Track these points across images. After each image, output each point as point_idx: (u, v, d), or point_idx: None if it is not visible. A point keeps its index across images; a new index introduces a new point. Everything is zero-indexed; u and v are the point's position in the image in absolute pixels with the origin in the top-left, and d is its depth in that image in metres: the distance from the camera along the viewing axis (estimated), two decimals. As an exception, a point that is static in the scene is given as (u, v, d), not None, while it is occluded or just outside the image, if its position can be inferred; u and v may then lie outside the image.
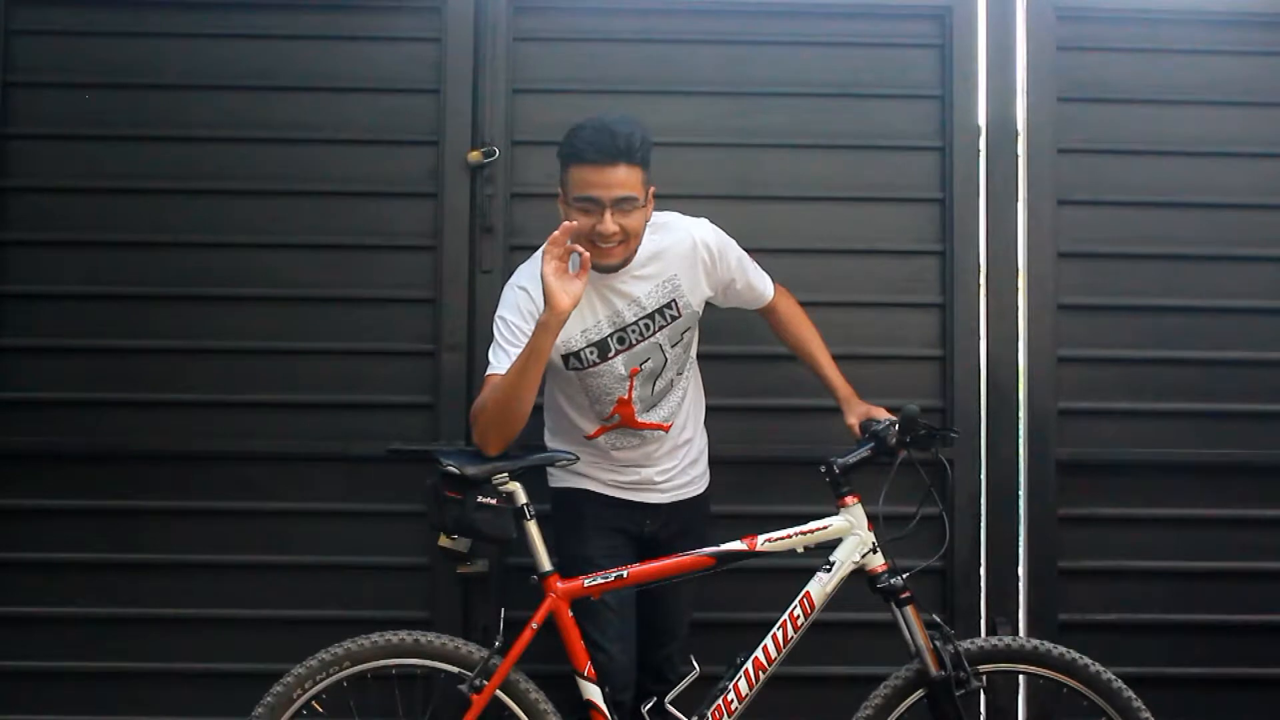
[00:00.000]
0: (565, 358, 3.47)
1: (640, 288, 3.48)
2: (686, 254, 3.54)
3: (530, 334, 3.28)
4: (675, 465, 3.67)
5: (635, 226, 3.38)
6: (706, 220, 3.63)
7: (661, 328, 3.52)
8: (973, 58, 4.27)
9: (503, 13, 4.22)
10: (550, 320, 3.21)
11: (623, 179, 3.32)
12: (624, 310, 3.47)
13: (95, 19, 4.24)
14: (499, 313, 3.47)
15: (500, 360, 3.37)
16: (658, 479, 3.65)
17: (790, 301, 3.89)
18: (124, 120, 4.23)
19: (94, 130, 4.23)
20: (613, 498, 3.63)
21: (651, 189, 3.44)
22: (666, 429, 3.63)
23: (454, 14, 4.21)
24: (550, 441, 3.75)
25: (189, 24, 4.25)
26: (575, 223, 3.29)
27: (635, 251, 3.45)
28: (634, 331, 3.49)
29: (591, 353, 3.47)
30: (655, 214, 3.54)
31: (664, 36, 4.29)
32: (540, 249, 3.26)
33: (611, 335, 3.47)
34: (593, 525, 3.58)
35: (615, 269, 3.44)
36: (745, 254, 3.70)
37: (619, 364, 3.50)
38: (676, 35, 4.29)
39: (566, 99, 4.22)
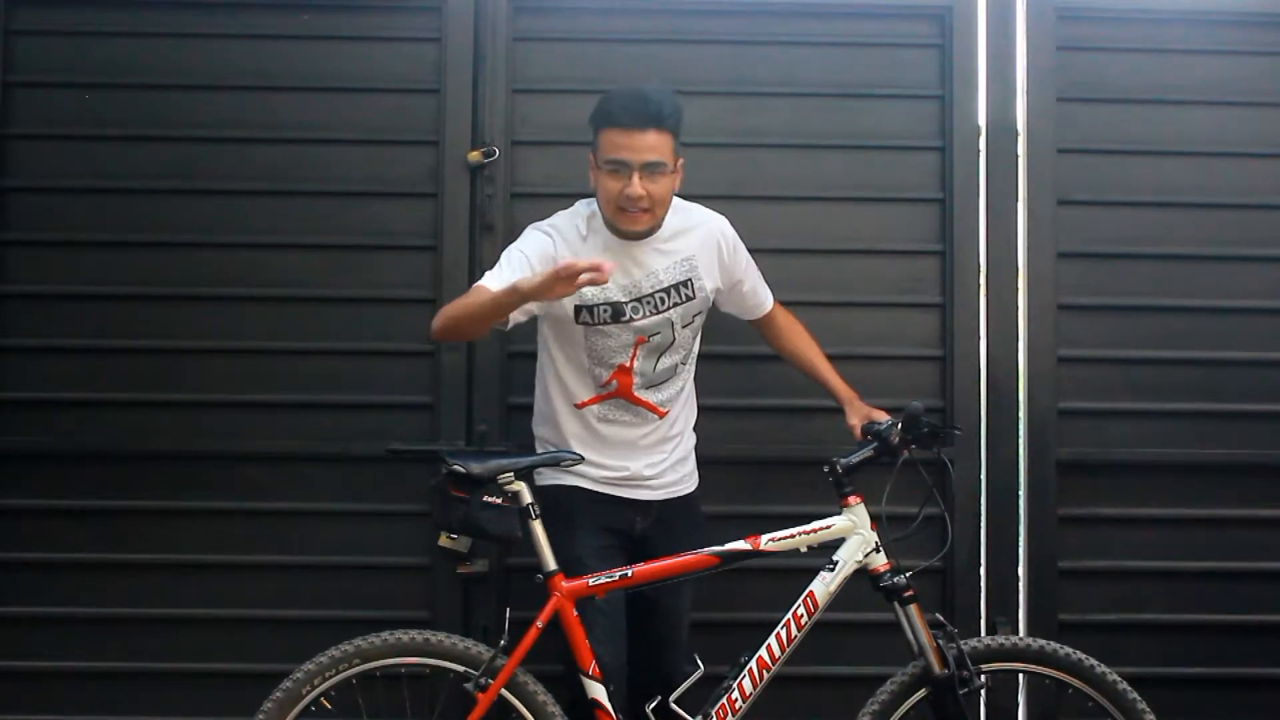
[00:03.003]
0: (577, 309, 3.49)
1: (659, 261, 3.52)
2: (706, 238, 3.60)
3: (533, 271, 3.38)
4: (664, 459, 3.66)
5: (661, 194, 3.43)
6: (724, 217, 3.68)
7: (675, 305, 3.55)
8: (973, 58, 4.28)
9: (503, 13, 4.22)
10: (530, 292, 3.21)
11: (653, 144, 3.37)
12: (641, 280, 3.51)
13: (95, 19, 4.24)
14: (515, 244, 3.56)
15: (491, 278, 3.44)
16: (647, 473, 3.63)
17: (787, 314, 3.92)
18: (124, 120, 4.23)
19: (94, 130, 4.22)
20: (602, 494, 3.61)
21: (680, 160, 3.48)
22: (661, 414, 3.63)
23: (454, 14, 4.21)
24: (537, 421, 3.75)
25: (189, 24, 4.25)
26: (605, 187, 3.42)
27: (661, 221, 3.51)
28: (648, 303, 3.52)
29: (605, 310, 3.49)
30: (678, 200, 3.59)
31: (664, 36, 4.29)
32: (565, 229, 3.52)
33: (627, 302, 3.50)
34: (582, 524, 3.55)
35: (639, 236, 3.48)
36: (751, 259, 3.74)
37: (628, 330, 3.52)
38: (676, 35, 4.29)
39: (566, 99, 4.22)
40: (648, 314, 3.52)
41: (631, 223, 3.44)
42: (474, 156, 4.17)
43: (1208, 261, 4.27)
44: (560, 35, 4.29)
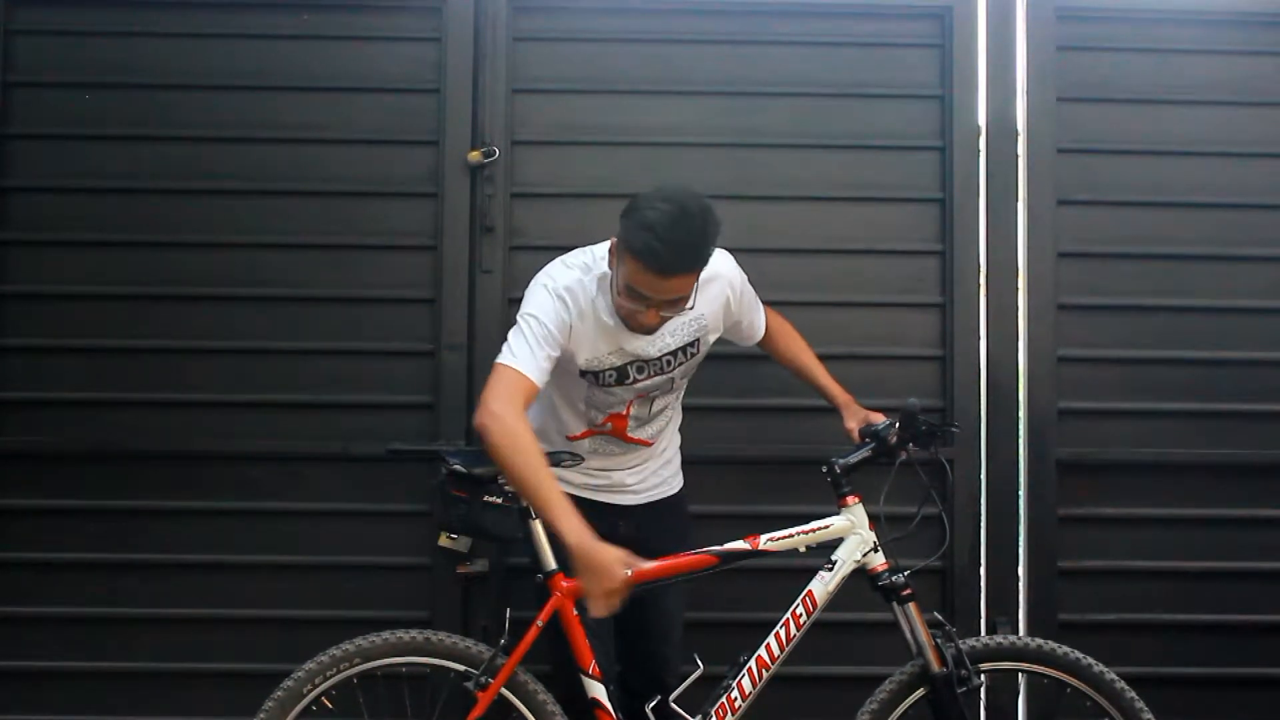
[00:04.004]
0: (582, 372, 3.43)
1: (668, 325, 3.39)
2: (716, 294, 3.49)
3: (555, 345, 3.28)
4: (646, 467, 3.66)
5: (676, 314, 3.31)
6: (730, 256, 3.54)
7: (680, 364, 3.50)
8: (973, 58, 4.28)
9: (503, 13, 4.22)
10: (573, 551, 3.11)
11: (678, 285, 3.20)
12: (649, 346, 3.41)
13: (95, 19, 4.24)
14: (529, 310, 3.32)
15: (521, 354, 3.25)
16: (630, 481, 3.63)
17: (780, 321, 3.88)
18: (124, 120, 4.23)
19: (94, 130, 4.23)
20: (584, 499, 3.57)
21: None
22: (650, 445, 3.63)
23: (454, 14, 4.21)
24: None
25: (189, 24, 4.25)
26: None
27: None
28: (654, 365, 3.44)
29: (610, 375, 3.43)
30: None
31: (664, 36, 4.29)
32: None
33: (631, 364, 3.42)
34: None
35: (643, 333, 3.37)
36: (751, 289, 3.68)
37: (630, 390, 3.48)
38: (676, 35, 4.29)
39: (566, 99, 4.25)
40: (652, 374, 3.46)
41: (640, 329, 3.32)
42: (474, 156, 4.17)
43: (1208, 261, 4.27)
44: (560, 35, 4.29)
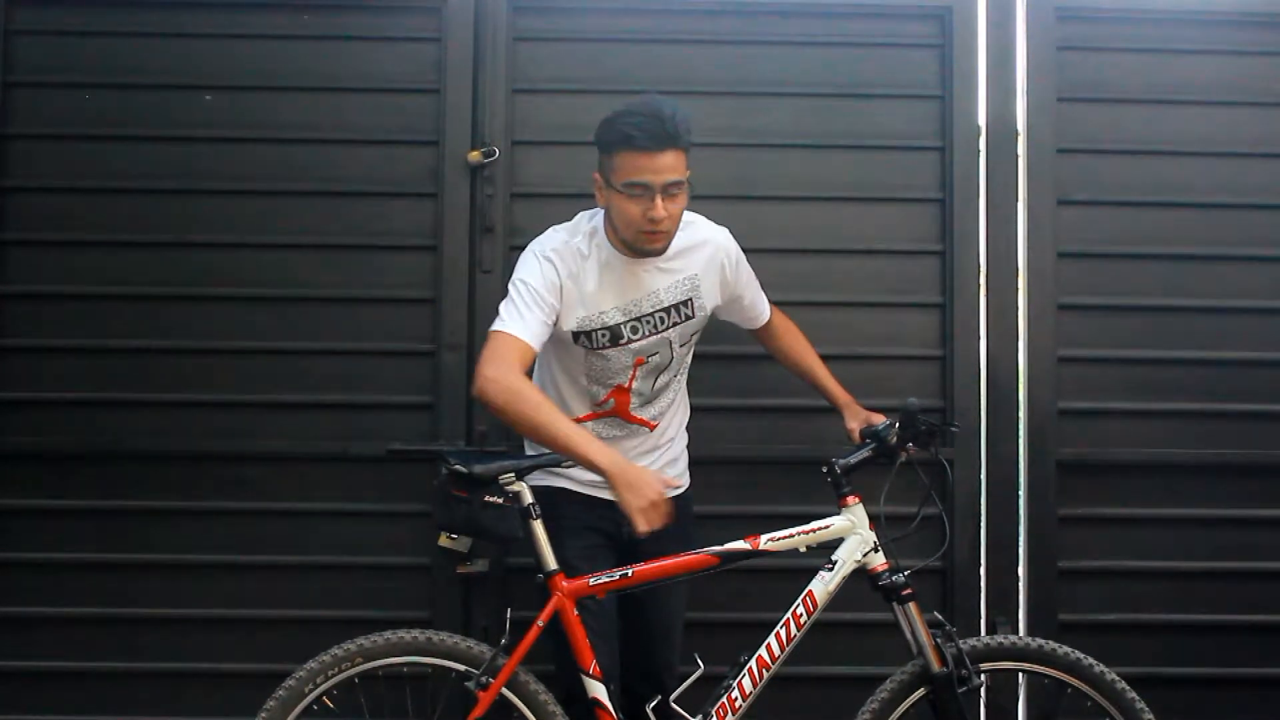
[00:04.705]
0: (575, 334, 3.45)
1: (661, 280, 3.47)
2: (710, 256, 3.55)
3: (546, 306, 3.35)
4: (652, 463, 3.64)
5: (679, 213, 3.38)
6: (726, 230, 3.62)
7: (675, 324, 3.51)
8: (973, 58, 4.28)
9: (503, 13, 4.22)
10: (607, 472, 3.20)
11: (672, 163, 3.29)
12: (641, 300, 3.46)
13: (95, 19, 4.24)
14: (519, 275, 3.41)
15: (510, 318, 3.33)
16: None
17: (784, 318, 3.91)
18: (124, 120, 4.23)
19: (94, 130, 4.22)
20: (590, 497, 3.58)
21: (689, 173, 3.39)
22: (653, 427, 3.62)
23: (454, 14, 4.22)
24: None
25: (189, 24, 4.24)
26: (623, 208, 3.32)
27: (671, 239, 3.45)
28: (648, 323, 3.48)
29: (604, 335, 3.45)
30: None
31: (664, 36, 4.29)
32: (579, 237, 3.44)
33: (625, 323, 3.46)
34: (569, 526, 3.52)
35: (657, 254, 3.43)
36: (751, 270, 3.71)
37: (627, 353, 3.49)
38: (676, 35, 4.29)
39: (566, 99, 4.24)
40: (646, 334, 3.49)
41: (652, 242, 3.37)
42: (474, 156, 4.17)
43: (1208, 261, 4.27)
44: (560, 35, 4.29)
